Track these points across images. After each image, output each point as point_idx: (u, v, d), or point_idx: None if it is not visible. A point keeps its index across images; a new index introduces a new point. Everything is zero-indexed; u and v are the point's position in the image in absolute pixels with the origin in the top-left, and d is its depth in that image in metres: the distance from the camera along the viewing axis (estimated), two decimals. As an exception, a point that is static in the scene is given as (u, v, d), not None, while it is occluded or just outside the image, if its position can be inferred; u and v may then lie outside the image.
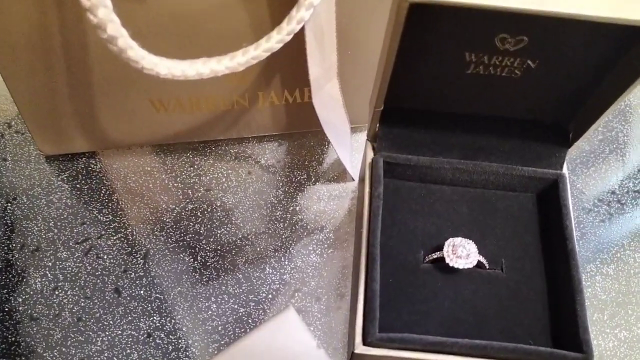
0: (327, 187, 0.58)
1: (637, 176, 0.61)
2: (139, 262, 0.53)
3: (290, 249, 0.55)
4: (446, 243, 0.48)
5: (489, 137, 0.51)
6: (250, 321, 0.51)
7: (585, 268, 0.55)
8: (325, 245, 0.55)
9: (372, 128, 0.51)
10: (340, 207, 0.57)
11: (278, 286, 0.53)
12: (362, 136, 0.58)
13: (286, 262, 0.54)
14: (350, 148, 0.59)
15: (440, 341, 0.43)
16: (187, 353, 0.49)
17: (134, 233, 0.55)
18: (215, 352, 0.50)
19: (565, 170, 0.52)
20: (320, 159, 0.60)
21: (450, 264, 0.47)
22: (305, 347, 0.37)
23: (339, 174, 0.59)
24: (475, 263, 0.47)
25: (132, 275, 0.53)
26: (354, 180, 0.59)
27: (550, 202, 0.51)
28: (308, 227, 0.56)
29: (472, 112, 0.50)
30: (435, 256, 0.48)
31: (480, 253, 0.48)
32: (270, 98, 0.56)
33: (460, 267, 0.47)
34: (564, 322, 0.46)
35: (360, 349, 0.43)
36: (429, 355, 0.43)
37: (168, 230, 0.55)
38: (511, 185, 0.52)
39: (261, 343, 0.37)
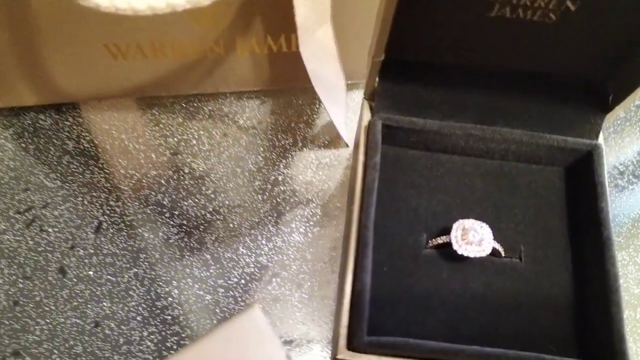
0: (317, 154, 0.50)
1: (681, 150, 0.52)
2: (89, 237, 0.45)
3: (270, 226, 0.46)
4: (454, 225, 0.39)
5: (511, 97, 0.42)
6: (218, 311, 0.43)
7: (617, 256, 0.46)
8: (311, 223, 0.47)
9: (370, 83, 0.42)
10: (330, 177, 0.49)
11: (253, 270, 0.45)
12: (360, 94, 0.49)
13: (263, 242, 0.46)
14: (345, 108, 0.50)
15: (441, 348, 0.35)
16: (141, 347, 0.42)
17: (85, 203, 0.47)
18: (175, 346, 0.42)
19: (601, 140, 0.43)
20: (310, 121, 0.51)
21: (459, 252, 0.39)
22: (271, 359, 0.29)
23: (331, 139, 0.50)
24: (489, 251, 0.39)
25: (80, 253, 0.45)
26: (348, 146, 0.50)
27: (582, 178, 0.42)
28: (292, 200, 0.47)
29: (492, 66, 0.41)
30: (440, 241, 0.40)
31: (495, 238, 0.40)
32: (251, 46, 0.47)
33: (471, 255, 0.39)
34: (594, 327, 0.37)
35: (343, 354, 0.35)
36: (428, 363, 0.35)
37: (125, 201, 0.47)
38: (536, 156, 0.43)
39: (214, 353, 0.29)
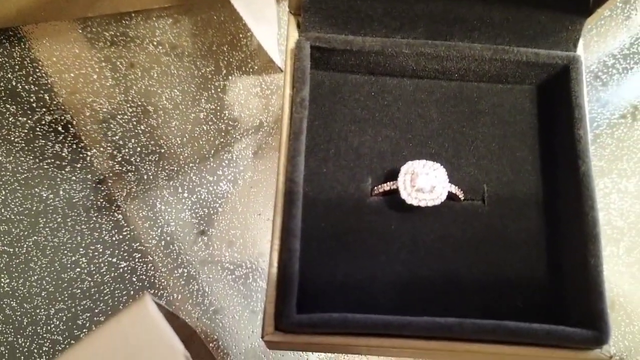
0: (245, 83, 0.42)
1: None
2: (-23, 201, 0.38)
3: (191, 174, 0.39)
4: (402, 169, 0.33)
5: (469, 3, 0.34)
6: (134, 279, 0.37)
7: (598, 184, 0.40)
8: (241, 168, 0.39)
9: (294, -7, 0.34)
10: (262, 111, 0.41)
11: (174, 229, 0.38)
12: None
13: (185, 194, 0.39)
14: (277, 24, 0.42)
15: (385, 322, 0.29)
16: (49, 327, 0.36)
17: (-31, 160, 0.39)
18: (88, 323, 0.36)
19: (580, 50, 0.35)
20: (235, 42, 0.42)
21: (407, 201, 0.32)
22: (166, 354, 0.23)
23: (263, 64, 0.42)
24: (443, 198, 0.32)
25: (-32, 222, 0.38)
26: (282, 71, 0.42)
27: (556, 99, 0.35)
28: (216, 142, 0.40)
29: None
30: (387, 187, 0.33)
31: (453, 179, 0.33)
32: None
33: (422, 204, 0.32)
34: (569, 281, 0.32)
35: (270, 336, 0.29)
36: (371, 339, 0.29)
37: (18, 154, 0.39)
38: (501, 74, 0.36)
39: (101, 353, 0.24)
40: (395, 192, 0.33)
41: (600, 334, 0.29)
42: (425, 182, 0.32)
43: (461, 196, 0.34)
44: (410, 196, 0.32)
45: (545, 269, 0.33)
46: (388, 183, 0.33)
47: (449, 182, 0.33)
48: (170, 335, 0.24)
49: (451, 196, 0.33)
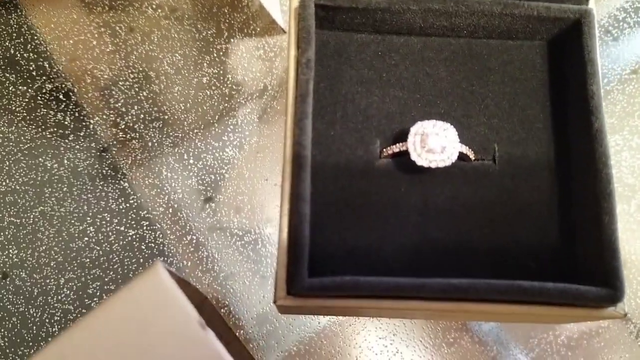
0: (248, 45, 0.41)
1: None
2: (-19, 173, 0.38)
3: (196, 140, 0.39)
4: (412, 130, 0.32)
5: (479, -44, 0.33)
6: (143, 247, 0.37)
7: (609, 141, 0.40)
8: (247, 133, 0.39)
9: (296, -49, 0.32)
10: (266, 73, 0.40)
11: (181, 196, 0.38)
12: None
13: (191, 161, 0.38)
14: (279, -17, 0.41)
15: (397, 284, 0.29)
16: (59, 296, 0.36)
17: (-30, 131, 0.38)
18: (98, 292, 0.36)
19: (592, 3, 0.34)
20: (237, 3, 0.41)
21: (418, 163, 0.32)
22: (181, 328, 0.23)
23: (266, 25, 0.41)
24: (454, 158, 0.32)
25: (-27, 193, 0.37)
26: (285, 32, 0.41)
27: (567, 54, 0.34)
28: (220, 107, 0.39)
29: None
30: (396, 149, 0.33)
31: (463, 139, 0.33)
32: None
33: (432, 165, 0.32)
34: (582, 239, 0.31)
35: (282, 300, 0.29)
36: (382, 301, 0.29)
37: (20, 124, 0.39)
38: (511, 30, 0.35)
39: (114, 321, 0.23)
40: (404, 154, 0.33)
41: (614, 292, 0.29)
42: (435, 143, 0.31)
43: (472, 156, 0.33)
44: (420, 157, 0.32)
45: (557, 228, 0.33)
46: (397, 145, 0.33)
47: (459, 142, 0.32)
48: (183, 301, 0.24)
49: (462, 156, 0.33)
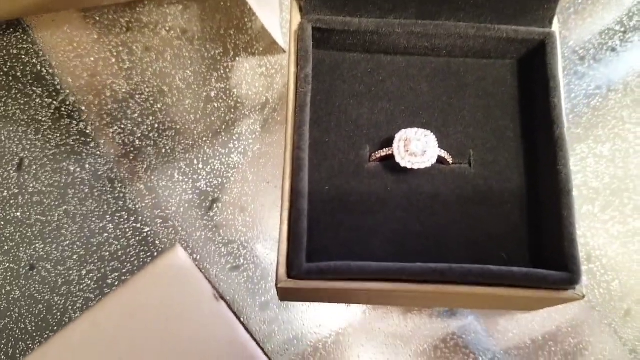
0: (252, 63, 0.45)
1: (645, 27, 0.48)
2: (11, 176, 0.42)
3: (205, 147, 0.43)
4: (396, 136, 0.37)
5: (455, -14, 0.37)
6: (157, 243, 0.41)
7: (576, 149, 0.44)
8: (250, 141, 0.43)
9: (296, -21, 0.37)
10: (268, 88, 0.45)
11: (191, 196, 0.42)
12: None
13: (200, 166, 0.43)
14: (279, 7, 0.45)
15: (384, 268, 0.33)
16: (81, 286, 0.40)
17: (2, 139, 0.43)
18: (116, 282, 0.40)
19: (555, 26, 0.39)
20: (241, 26, 0.46)
21: (402, 164, 0.36)
22: (198, 299, 0.27)
23: (267, 45, 0.46)
24: (434, 161, 0.36)
25: (4, 194, 0.42)
26: (285, 52, 0.46)
27: (534, 71, 0.39)
28: (227, 118, 0.44)
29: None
30: (383, 153, 0.37)
31: (442, 145, 0.37)
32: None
33: (415, 167, 0.36)
34: (546, 232, 0.36)
35: (283, 282, 0.33)
36: (371, 283, 0.33)
37: (46, 132, 0.43)
38: (484, 50, 0.40)
39: (138, 296, 0.27)
40: (390, 158, 0.37)
41: (572, 275, 0.33)
42: (417, 147, 0.36)
43: (450, 160, 0.38)
44: (404, 160, 0.36)
45: (525, 223, 0.37)
46: (384, 149, 0.37)
47: (439, 147, 0.37)
48: (198, 276, 0.28)
49: (441, 160, 0.37)
